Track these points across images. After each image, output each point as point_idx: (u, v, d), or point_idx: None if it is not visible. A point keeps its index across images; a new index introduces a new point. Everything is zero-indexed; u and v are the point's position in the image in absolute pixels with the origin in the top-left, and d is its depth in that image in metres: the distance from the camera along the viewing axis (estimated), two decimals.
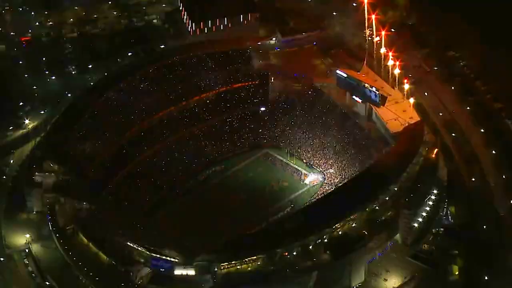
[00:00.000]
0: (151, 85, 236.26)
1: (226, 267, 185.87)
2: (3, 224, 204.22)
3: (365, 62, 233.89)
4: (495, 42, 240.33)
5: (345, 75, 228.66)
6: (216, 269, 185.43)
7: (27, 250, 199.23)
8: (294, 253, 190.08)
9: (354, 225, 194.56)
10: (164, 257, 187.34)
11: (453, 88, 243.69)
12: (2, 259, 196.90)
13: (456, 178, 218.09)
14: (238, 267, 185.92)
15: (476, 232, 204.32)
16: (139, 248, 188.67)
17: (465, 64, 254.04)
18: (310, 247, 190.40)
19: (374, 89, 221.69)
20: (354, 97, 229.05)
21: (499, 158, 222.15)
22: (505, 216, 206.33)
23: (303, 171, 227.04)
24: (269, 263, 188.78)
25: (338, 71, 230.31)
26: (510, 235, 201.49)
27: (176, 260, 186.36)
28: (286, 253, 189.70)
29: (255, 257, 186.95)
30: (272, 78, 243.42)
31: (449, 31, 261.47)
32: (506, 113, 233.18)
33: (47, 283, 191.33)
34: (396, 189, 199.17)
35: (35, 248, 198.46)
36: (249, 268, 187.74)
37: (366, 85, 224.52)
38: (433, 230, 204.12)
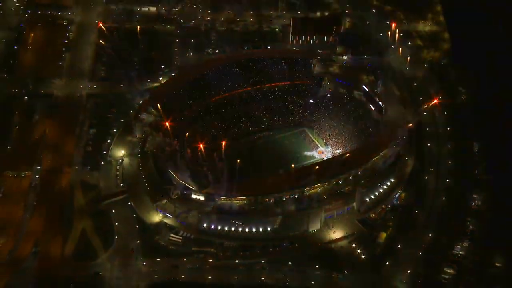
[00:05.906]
0: (238, 71, 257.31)
1: (223, 199, 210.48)
2: (115, 141, 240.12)
3: (379, 83, 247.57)
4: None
5: (367, 89, 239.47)
6: (216, 199, 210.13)
7: (120, 161, 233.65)
8: (271, 201, 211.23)
9: (319, 191, 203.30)
10: (186, 184, 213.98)
11: (445, 113, 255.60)
12: (102, 162, 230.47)
13: (417, 174, 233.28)
14: (230, 201, 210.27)
15: (409, 213, 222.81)
16: (174, 175, 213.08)
17: (464, 95, 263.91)
18: (283, 199, 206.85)
19: (380, 102, 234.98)
20: (370, 105, 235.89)
21: (453, 166, 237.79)
22: (437, 207, 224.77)
23: (320, 147, 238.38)
24: (252, 204, 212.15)
25: (363, 86, 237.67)
26: (433, 220, 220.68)
27: (193, 188, 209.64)
28: (267, 200, 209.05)
29: (244, 197, 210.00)
30: (328, 81, 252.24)
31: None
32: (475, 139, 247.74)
33: (121, 184, 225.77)
34: (359, 173, 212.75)
35: (126, 160, 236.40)
36: (238, 204, 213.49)
37: (377, 98, 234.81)
38: (383, 206, 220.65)
